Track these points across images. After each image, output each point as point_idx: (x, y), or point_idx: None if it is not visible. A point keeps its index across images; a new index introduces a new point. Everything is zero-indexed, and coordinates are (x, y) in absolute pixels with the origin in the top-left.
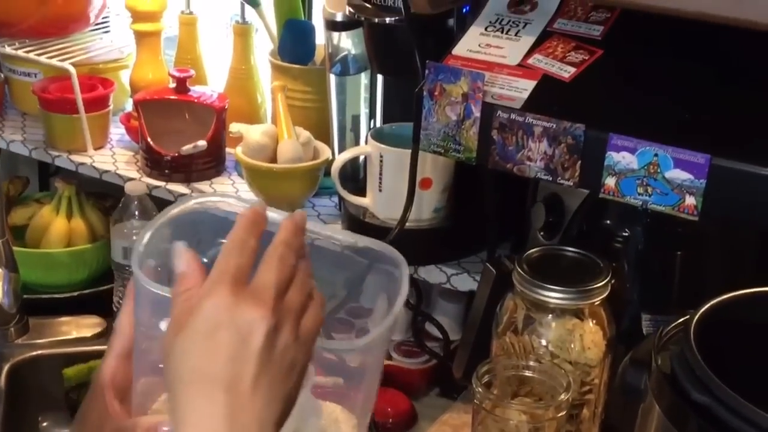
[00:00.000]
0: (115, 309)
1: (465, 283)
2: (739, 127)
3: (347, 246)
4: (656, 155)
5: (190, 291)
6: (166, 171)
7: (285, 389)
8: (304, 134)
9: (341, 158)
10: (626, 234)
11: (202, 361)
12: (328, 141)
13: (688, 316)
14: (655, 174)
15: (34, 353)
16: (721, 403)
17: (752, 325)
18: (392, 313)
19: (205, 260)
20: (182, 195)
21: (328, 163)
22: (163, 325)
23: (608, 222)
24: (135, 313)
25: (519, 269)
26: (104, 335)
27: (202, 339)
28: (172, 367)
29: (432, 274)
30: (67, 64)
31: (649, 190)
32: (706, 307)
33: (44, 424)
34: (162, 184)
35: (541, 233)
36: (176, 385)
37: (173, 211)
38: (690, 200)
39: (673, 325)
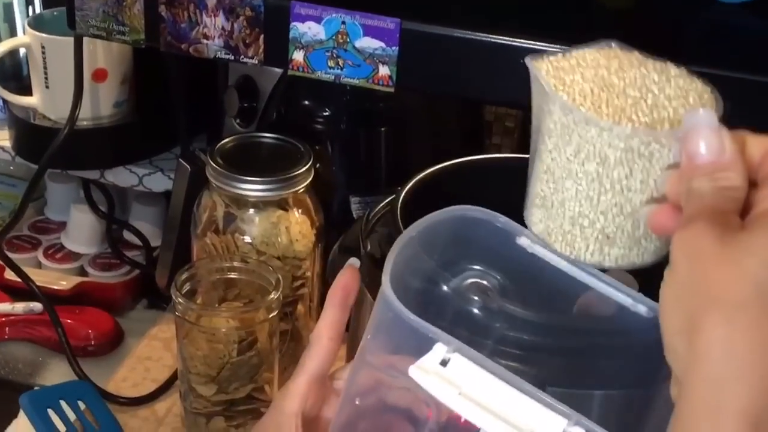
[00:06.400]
0: None
1: (160, 183)
2: None
3: None
4: (344, 23)
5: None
6: None
7: None
8: None
9: None
10: (327, 114)
11: None
12: None
13: (394, 195)
14: (345, 44)
15: None
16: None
17: (459, 196)
18: None
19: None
20: None
21: None
22: (413, 372)
23: (307, 103)
24: (371, 342)
25: (212, 162)
26: None
27: None
28: None
29: (122, 176)
30: None
31: (341, 62)
32: (412, 182)
33: None
34: None
35: (237, 121)
36: None
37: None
38: (384, 70)
39: (381, 205)
